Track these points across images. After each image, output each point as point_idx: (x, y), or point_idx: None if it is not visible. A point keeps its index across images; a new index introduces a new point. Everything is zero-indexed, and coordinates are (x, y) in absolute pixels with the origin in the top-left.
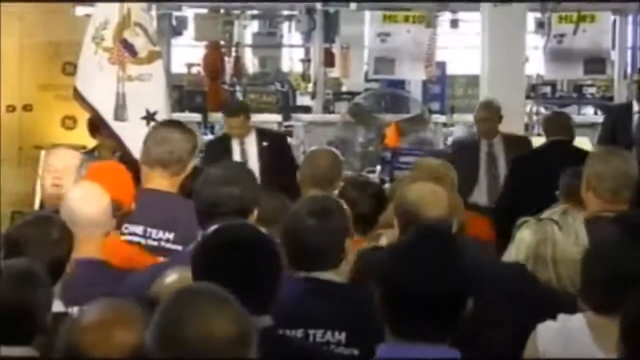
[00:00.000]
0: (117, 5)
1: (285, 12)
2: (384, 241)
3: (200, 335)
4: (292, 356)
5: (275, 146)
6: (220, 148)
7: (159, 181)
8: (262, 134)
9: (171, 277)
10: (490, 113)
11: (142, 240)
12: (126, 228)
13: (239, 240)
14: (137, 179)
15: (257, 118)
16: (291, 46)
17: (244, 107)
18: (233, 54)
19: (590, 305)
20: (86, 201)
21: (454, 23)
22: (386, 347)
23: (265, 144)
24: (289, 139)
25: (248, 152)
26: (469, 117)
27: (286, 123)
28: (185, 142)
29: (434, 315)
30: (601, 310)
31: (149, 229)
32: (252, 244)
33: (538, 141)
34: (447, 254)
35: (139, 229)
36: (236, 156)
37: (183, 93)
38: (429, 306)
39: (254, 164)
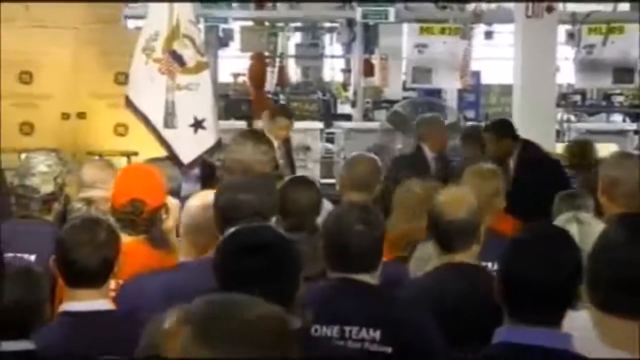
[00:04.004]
0: (166, 17)
1: (327, 25)
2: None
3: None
4: (323, 356)
5: None
6: None
7: None
8: None
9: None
10: None
11: None
12: None
13: (260, 243)
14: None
15: (300, 125)
16: (332, 57)
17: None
18: (277, 64)
19: (596, 303)
20: (207, 208)
21: (489, 35)
22: (506, 330)
23: None
24: (331, 145)
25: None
26: None
27: (327, 130)
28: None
29: (550, 301)
30: (606, 308)
31: None
32: (273, 246)
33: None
34: (561, 245)
35: None
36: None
37: (229, 101)
38: (546, 293)
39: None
